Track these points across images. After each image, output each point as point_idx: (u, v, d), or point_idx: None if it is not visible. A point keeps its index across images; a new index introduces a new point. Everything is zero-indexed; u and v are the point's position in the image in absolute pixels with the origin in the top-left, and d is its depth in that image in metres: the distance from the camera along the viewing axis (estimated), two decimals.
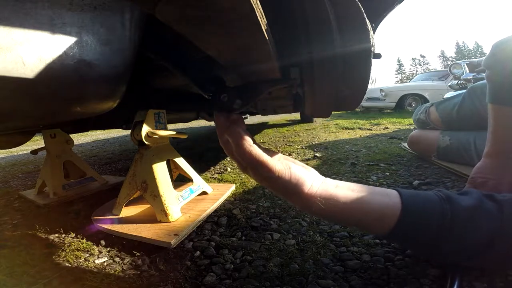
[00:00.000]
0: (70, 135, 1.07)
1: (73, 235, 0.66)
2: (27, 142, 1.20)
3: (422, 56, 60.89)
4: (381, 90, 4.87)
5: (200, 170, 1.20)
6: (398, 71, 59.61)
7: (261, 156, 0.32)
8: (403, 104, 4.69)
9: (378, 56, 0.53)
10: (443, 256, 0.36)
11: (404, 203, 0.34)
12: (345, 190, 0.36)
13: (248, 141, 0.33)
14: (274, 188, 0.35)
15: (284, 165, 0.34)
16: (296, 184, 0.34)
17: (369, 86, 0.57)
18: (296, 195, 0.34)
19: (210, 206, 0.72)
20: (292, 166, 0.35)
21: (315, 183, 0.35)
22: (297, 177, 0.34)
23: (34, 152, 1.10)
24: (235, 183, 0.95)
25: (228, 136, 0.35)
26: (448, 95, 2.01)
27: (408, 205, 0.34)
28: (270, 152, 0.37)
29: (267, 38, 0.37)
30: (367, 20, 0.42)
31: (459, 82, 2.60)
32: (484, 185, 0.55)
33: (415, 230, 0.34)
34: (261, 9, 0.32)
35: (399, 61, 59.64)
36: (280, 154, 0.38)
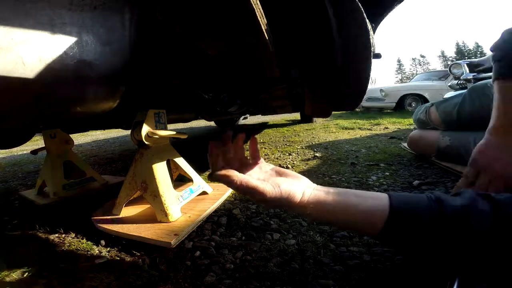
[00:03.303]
0: (70, 135, 1.07)
1: (73, 235, 0.66)
2: (27, 142, 1.20)
3: (422, 56, 60.91)
4: (381, 90, 4.87)
5: (200, 170, 1.20)
6: (398, 71, 59.61)
7: (251, 183, 0.36)
8: (403, 104, 4.69)
9: (378, 56, 0.53)
10: (435, 258, 0.35)
11: (393, 204, 0.35)
12: (335, 195, 0.38)
13: (237, 177, 0.36)
14: (271, 205, 0.39)
15: (273, 185, 0.37)
16: (287, 198, 0.37)
17: (369, 86, 0.56)
18: (290, 206, 0.38)
19: (210, 206, 0.72)
20: (281, 183, 0.37)
21: (306, 191, 0.38)
22: (287, 191, 0.37)
23: (34, 152, 1.10)
24: None
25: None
26: (448, 95, 2.00)
27: (396, 205, 0.35)
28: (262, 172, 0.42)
29: (267, 38, 0.37)
30: (367, 20, 0.42)
31: (459, 82, 2.60)
32: (490, 167, 0.49)
33: (404, 229, 0.34)
34: (261, 9, 0.32)
35: (399, 61, 59.64)
36: (270, 169, 0.42)
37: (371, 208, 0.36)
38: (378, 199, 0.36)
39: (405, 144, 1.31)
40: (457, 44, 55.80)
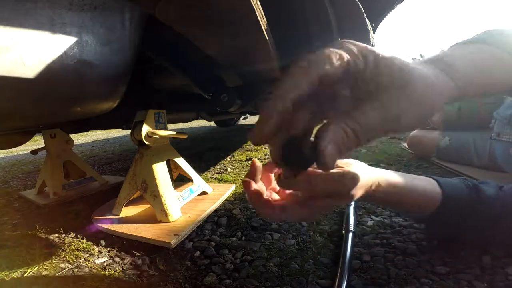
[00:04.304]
0: (70, 135, 1.07)
1: (73, 235, 0.66)
2: (27, 142, 1.20)
3: (422, 56, 60.91)
4: None
5: (200, 170, 1.20)
6: None
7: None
8: None
9: None
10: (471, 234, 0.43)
11: (444, 191, 0.40)
12: (388, 187, 0.36)
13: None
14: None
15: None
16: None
17: None
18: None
19: (210, 206, 0.72)
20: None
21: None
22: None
23: (34, 152, 1.10)
24: (235, 183, 0.95)
25: None
26: None
27: (447, 192, 0.40)
28: None
29: (267, 38, 0.37)
30: (367, 20, 0.42)
31: None
32: None
33: (451, 214, 0.41)
34: (261, 9, 0.32)
35: None
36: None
37: (425, 193, 0.40)
38: (429, 183, 0.41)
39: (405, 144, 1.31)
40: None
